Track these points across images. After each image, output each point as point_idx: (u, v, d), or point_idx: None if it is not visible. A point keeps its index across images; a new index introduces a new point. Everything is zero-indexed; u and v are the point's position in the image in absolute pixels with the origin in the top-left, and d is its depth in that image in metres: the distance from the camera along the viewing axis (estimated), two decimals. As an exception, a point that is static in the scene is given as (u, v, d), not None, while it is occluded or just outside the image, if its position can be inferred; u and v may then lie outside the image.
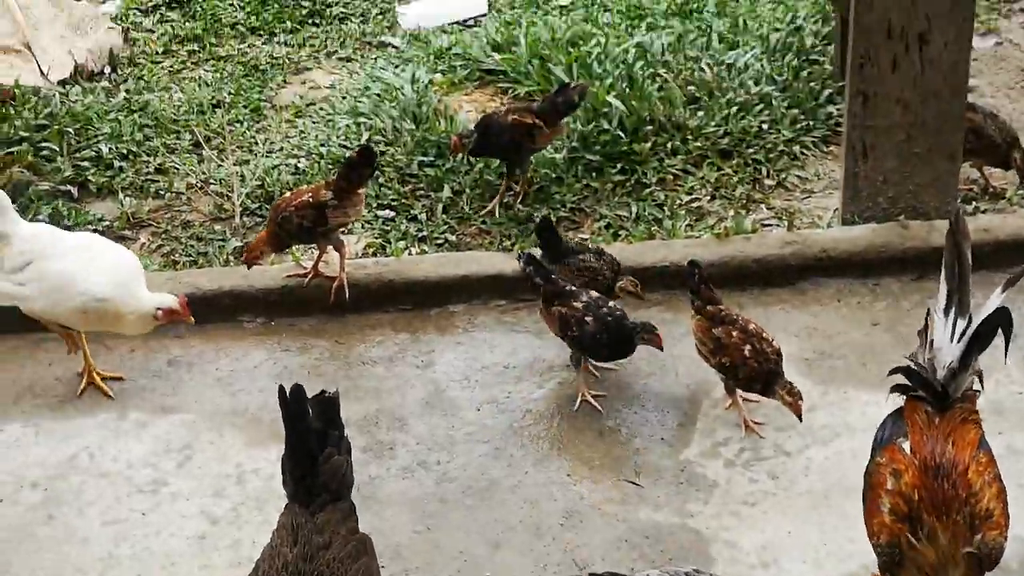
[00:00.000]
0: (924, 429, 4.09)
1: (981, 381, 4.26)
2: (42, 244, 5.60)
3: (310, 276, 6.20)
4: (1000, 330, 4.12)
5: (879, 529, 4.02)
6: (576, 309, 5.49)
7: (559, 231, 6.15)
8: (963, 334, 4.14)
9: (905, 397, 4.23)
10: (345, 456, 4.07)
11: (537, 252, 5.97)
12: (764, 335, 5.28)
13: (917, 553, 3.90)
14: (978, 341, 4.12)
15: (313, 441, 4.01)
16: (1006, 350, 4.20)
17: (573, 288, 5.62)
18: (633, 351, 5.53)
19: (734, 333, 5.29)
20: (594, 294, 5.60)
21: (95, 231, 6.53)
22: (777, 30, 7.89)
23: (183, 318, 5.63)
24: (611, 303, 5.56)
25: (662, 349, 5.52)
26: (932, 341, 4.24)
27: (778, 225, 6.53)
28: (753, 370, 5.22)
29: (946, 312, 4.23)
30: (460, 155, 6.88)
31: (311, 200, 6.03)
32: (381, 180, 6.95)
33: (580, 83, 7.02)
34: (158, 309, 5.57)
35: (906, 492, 3.97)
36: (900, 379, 4.19)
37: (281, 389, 3.99)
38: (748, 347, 5.22)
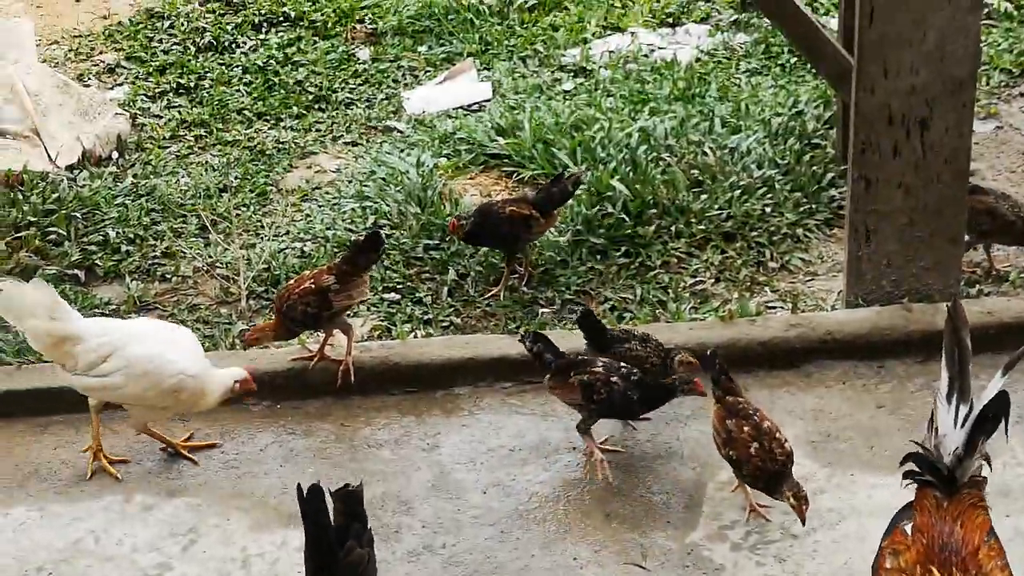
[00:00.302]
0: (932, 512, 4.09)
1: (989, 464, 4.26)
2: (117, 334, 5.70)
3: (316, 359, 6.22)
4: (1001, 414, 4.15)
5: None
6: (598, 373, 5.53)
7: (600, 320, 6.14)
8: (966, 419, 4.17)
9: (916, 486, 4.24)
10: (367, 549, 4.08)
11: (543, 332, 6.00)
12: (777, 435, 5.24)
13: None
14: (981, 426, 4.14)
15: (332, 536, 4.03)
16: (1006, 431, 4.21)
17: (585, 357, 5.66)
18: (668, 400, 5.59)
19: (745, 428, 5.27)
20: (606, 360, 5.64)
21: (102, 315, 6.57)
22: (779, 114, 7.95)
23: (252, 388, 5.80)
24: (625, 365, 5.61)
25: (705, 395, 5.53)
26: (937, 427, 4.25)
27: (782, 308, 6.55)
28: (757, 468, 5.20)
29: (949, 398, 4.25)
30: (459, 236, 6.93)
31: (313, 286, 6.06)
32: (387, 263, 6.98)
33: (574, 173, 7.10)
34: (236, 381, 5.72)
35: (907, 567, 3.97)
36: (911, 467, 4.20)
37: (299, 489, 4.02)
38: (756, 445, 5.20)
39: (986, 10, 8.87)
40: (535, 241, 6.96)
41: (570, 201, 7.02)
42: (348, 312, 6.26)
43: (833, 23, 8.17)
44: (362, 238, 6.26)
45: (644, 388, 5.54)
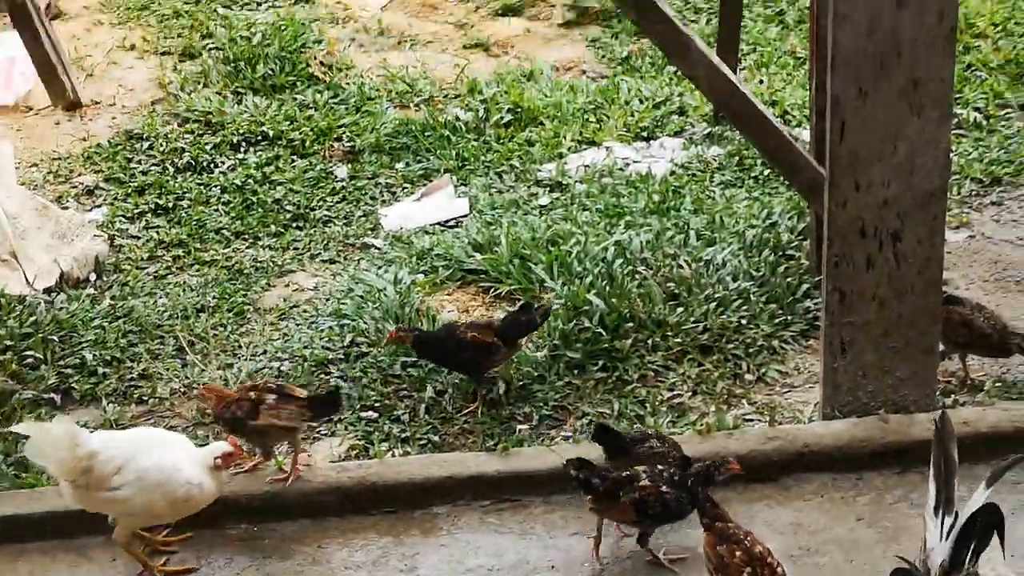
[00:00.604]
0: None
1: None
2: (123, 446, 5.78)
3: (291, 478, 6.20)
4: (993, 527, 4.13)
5: None
6: (647, 487, 5.59)
7: (615, 429, 6.21)
8: (950, 531, 4.15)
9: None
10: None
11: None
12: (769, 560, 5.22)
13: None
14: (966, 538, 4.12)
15: None
16: (1002, 546, 4.19)
17: (627, 473, 5.70)
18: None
19: (737, 553, 5.25)
20: (647, 470, 5.70)
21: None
22: (753, 227, 8.01)
23: (241, 457, 5.93)
24: (664, 468, 5.72)
25: (742, 472, 5.69)
26: (925, 542, 4.24)
27: (760, 420, 6.55)
28: None
29: (935, 511, 4.25)
30: (395, 348, 6.99)
31: (252, 395, 6.22)
32: (364, 381, 6.99)
33: (543, 304, 7.17)
34: (216, 458, 5.77)
35: None
36: None
37: None
38: (748, 570, 5.17)
39: (955, 120, 8.98)
40: (497, 368, 6.96)
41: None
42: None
43: (805, 135, 8.27)
44: (324, 394, 6.50)
45: (689, 484, 5.62)
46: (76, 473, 5.65)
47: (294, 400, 6.24)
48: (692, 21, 10.80)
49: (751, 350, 7.10)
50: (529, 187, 8.93)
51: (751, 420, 6.57)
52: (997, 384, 6.71)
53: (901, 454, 6.14)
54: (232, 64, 10.35)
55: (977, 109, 9.39)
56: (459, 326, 6.98)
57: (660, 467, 5.73)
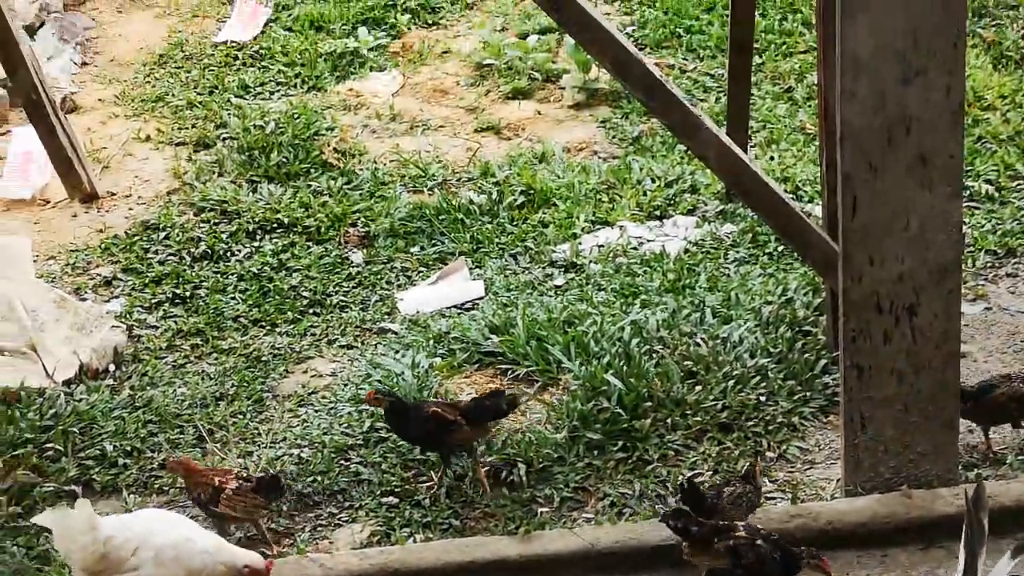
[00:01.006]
0: None
1: None
2: (139, 526, 5.93)
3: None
4: None
5: None
6: (742, 537, 5.76)
7: (698, 486, 6.33)
8: None
9: None
10: None
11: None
12: None
13: None
14: None
15: None
16: None
17: (724, 522, 5.89)
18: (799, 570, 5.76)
19: None
20: (744, 523, 5.93)
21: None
22: (769, 303, 8.03)
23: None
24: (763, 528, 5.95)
25: (830, 574, 5.69)
26: None
27: (782, 498, 6.53)
28: None
29: None
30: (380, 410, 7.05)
31: (217, 481, 6.41)
32: (384, 467, 7.00)
33: (512, 393, 7.22)
34: (245, 566, 5.83)
35: None
36: None
37: None
38: None
39: (967, 192, 9.03)
40: (463, 448, 6.97)
41: (565, 399, 7.05)
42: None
43: (817, 210, 8.30)
44: (268, 477, 6.60)
45: (782, 551, 5.76)
46: (95, 560, 5.68)
47: (252, 490, 6.42)
48: (701, 100, 10.88)
49: (771, 427, 7.10)
50: (544, 268, 8.97)
51: (773, 498, 6.55)
52: (1020, 457, 6.69)
53: (925, 530, 6.12)
54: (246, 153, 10.44)
55: (989, 181, 9.42)
56: (428, 401, 7.05)
57: (762, 528, 5.95)
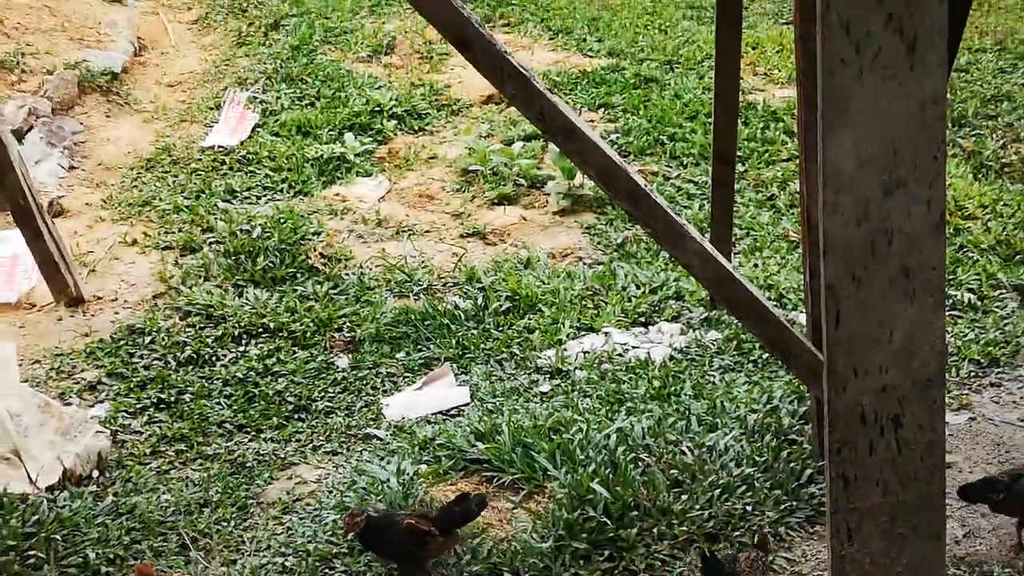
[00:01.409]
0: None
1: None
2: None
3: None
4: None
5: None
6: None
7: (716, 554, 6.51)
8: None
9: None
10: None
11: None
12: None
13: None
14: None
15: None
16: None
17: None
18: None
19: None
20: None
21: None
22: (754, 411, 8.05)
23: None
24: None
25: None
26: None
27: (769, 609, 6.51)
28: None
29: None
30: (351, 534, 6.96)
31: None
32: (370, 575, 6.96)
33: (479, 494, 7.19)
34: None
35: None
36: None
37: None
38: None
39: (950, 301, 9.10)
40: (433, 560, 6.96)
41: (551, 508, 7.03)
42: None
43: (802, 318, 8.35)
44: None
45: None
46: None
47: None
48: (685, 207, 11.00)
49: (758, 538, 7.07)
50: (529, 374, 8.99)
51: (761, 609, 6.52)
52: (1006, 570, 6.68)
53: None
54: (233, 257, 10.50)
55: (971, 290, 9.52)
56: (398, 514, 7.02)
57: None
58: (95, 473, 8.14)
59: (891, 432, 6.25)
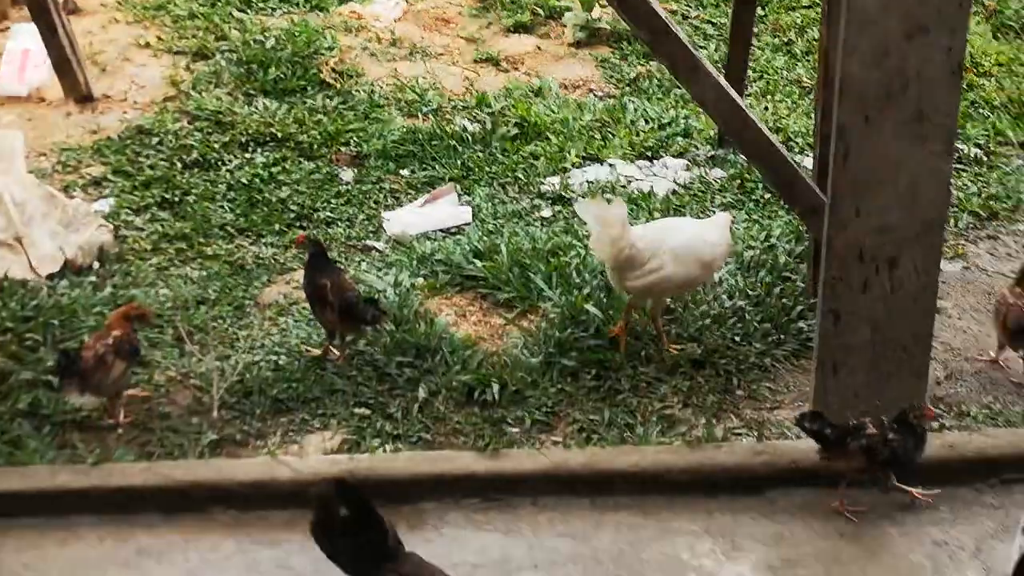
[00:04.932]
0: None
1: None
2: (653, 232, 7.22)
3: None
4: None
5: None
6: (875, 434, 6.03)
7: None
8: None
9: None
10: None
11: None
12: None
13: None
14: None
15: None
16: None
17: (854, 422, 6.13)
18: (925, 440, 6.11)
19: None
20: (874, 420, 6.15)
21: (72, 421, 6.67)
22: (752, 248, 8.10)
23: None
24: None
25: (935, 418, 6.25)
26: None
27: (748, 435, 6.61)
28: None
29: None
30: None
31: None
32: (359, 379, 7.06)
33: (384, 312, 7.36)
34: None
35: None
36: None
37: None
38: None
39: (956, 155, 9.07)
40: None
41: (543, 327, 7.13)
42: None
43: (807, 162, 8.35)
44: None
45: (911, 432, 6.05)
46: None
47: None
48: (701, 47, 10.91)
49: (743, 367, 7.17)
50: (532, 199, 9.02)
51: (740, 434, 6.62)
52: (984, 410, 6.79)
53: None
54: (244, 66, 10.45)
55: (978, 145, 9.51)
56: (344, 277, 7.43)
57: (886, 420, 6.13)
58: (95, 264, 8.21)
59: (886, 271, 6.31)
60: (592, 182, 9.18)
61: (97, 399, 6.74)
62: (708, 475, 6.26)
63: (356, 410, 6.86)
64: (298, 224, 8.73)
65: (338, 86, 10.37)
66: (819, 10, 7.73)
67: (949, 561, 5.77)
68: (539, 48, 11.28)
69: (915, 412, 6.05)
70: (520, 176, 9.27)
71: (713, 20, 11.46)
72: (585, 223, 7.29)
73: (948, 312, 7.63)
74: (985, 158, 9.37)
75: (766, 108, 10.07)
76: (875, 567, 5.72)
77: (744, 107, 6.93)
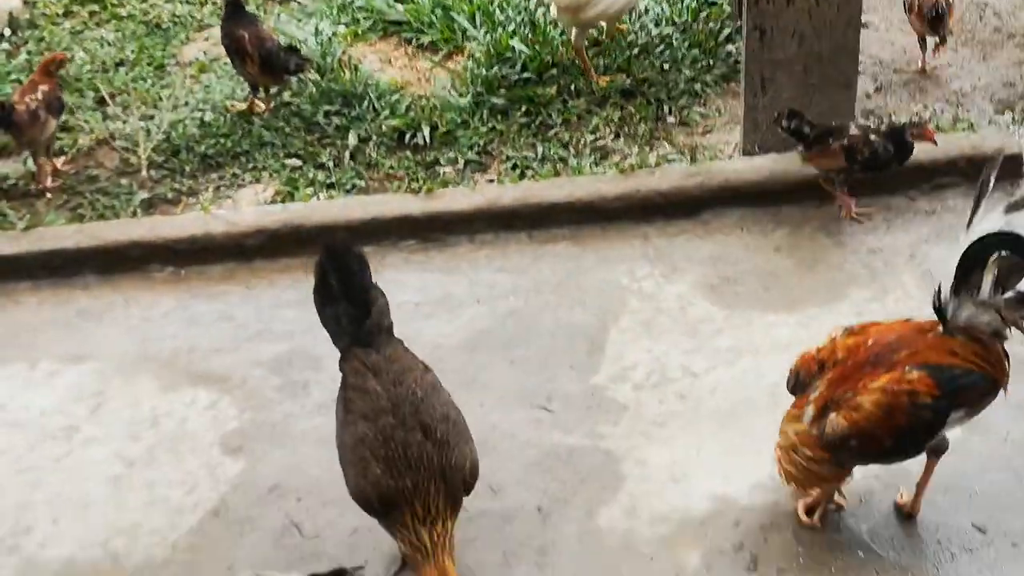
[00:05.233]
0: (911, 328, 4.22)
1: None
2: None
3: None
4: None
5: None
6: (856, 136, 5.98)
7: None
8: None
9: None
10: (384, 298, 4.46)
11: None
12: None
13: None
14: (964, 263, 4.00)
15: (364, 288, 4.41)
16: None
17: (836, 123, 6.08)
18: (911, 152, 6.01)
19: None
20: (857, 122, 6.18)
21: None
22: (675, -26, 7.97)
23: None
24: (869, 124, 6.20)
25: (936, 143, 5.97)
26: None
27: (681, 160, 6.60)
28: None
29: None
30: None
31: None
32: (287, 130, 6.98)
33: (307, 59, 7.23)
34: None
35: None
36: None
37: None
38: None
39: None
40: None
41: (470, 67, 7.06)
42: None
43: None
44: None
45: (893, 140, 5.97)
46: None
47: None
48: None
49: (673, 94, 7.13)
50: (452, -62, 8.77)
51: (673, 160, 6.61)
52: (915, 119, 6.80)
53: (817, 187, 6.23)
54: None
55: None
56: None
57: (869, 124, 6.18)
58: (7, 32, 7.99)
59: (810, -17, 6.23)
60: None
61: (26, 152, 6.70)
62: (643, 200, 6.26)
63: (287, 161, 6.79)
64: (212, -23, 8.49)
65: None
66: None
67: (884, 267, 5.83)
68: None
69: (915, 129, 6.00)
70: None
71: None
72: None
73: (876, 26, 7.58)
74: None
75: None
76: (812, 278, 5.79)
77: None
